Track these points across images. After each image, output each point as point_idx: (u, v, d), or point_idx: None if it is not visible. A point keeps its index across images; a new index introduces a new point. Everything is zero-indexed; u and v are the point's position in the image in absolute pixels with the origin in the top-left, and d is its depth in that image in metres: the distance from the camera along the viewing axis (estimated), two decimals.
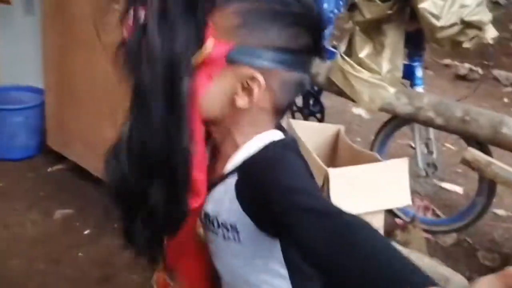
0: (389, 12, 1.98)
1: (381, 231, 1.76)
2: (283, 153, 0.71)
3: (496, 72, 5.22)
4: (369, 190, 1.55)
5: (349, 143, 1.94)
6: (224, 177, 0.73)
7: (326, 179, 1.51)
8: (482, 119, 1.89)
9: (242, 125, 0.72)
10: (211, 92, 0.68)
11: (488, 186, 2.05)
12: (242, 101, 0.68)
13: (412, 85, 2.19)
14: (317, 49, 0.73)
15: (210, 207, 0.75)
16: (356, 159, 1.75)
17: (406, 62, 2.17)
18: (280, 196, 0.62)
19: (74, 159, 2.22)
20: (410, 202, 1.75)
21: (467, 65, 5.25)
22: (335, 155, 2.06)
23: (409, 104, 2.02)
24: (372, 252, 0.55)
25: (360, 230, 0.57)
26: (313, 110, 2.72)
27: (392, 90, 2.05)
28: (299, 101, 2.78)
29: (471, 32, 1.93)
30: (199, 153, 0.69)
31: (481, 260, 2.15)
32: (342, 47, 2.18)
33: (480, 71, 5.18)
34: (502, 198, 2.55)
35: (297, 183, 0.65)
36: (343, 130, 2.07)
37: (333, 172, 1.50)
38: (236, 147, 0.73)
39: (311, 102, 2.71)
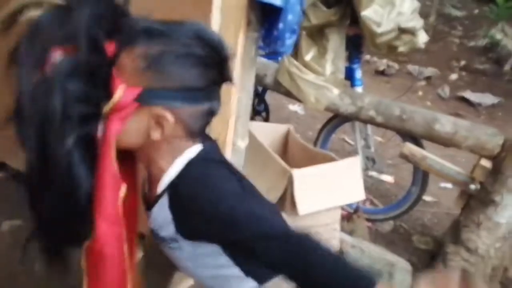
0: (333, 18, 2.11)
1: (338, 224, 1.90)
2: (205, 171, 0.80)
3: (411, 67, 5.64)
4: (328, 188, 1.67)
5: (302, 142, 2.05)
6: (157, 198, 0.81)
7: (290, 180, 1.59)
8: (417, 117, 2.08)
9: (162, 151, 0.80)
10: (127, 129, 0.75)
11: (422, 176, 2.26)
12: (156, 134, 0.76)
13: (352, 85, 2.34)
14: (223, 79, 0.80)
15: (153, 225, 0.84)
16: (311, 158, 1.86)
17: (347, 65, 2.31)
18: (224, 226, 0.75)
19: (17, 166, 2.11)
20: (364, 197, 1.90)
21: (384, 61, 5.63)
22: (286, 154, 2.15)
23: (352, 104, 2.17)
24: (323, 267, 0.71)
25: (312, 250, 0.72)
26: (258, 109, 2.80)
27: (336, 91, 2.18)
28: None
29: (406, 37, 2.11)
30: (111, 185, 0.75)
31: (416, 244, 2.37)
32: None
33: (396, 66, 5.58)
34: (429, 186, 2.81)
35: (236, 207, 0.75)
36: (292, 130, 2.17)
37: (296, 174, 1.59)
38: (161, 170, 0.80)
39: (255, 101, 2.80)
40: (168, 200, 0.80)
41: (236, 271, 0.87)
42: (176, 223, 0.80)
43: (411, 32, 2.10)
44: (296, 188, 1.57)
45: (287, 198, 1.63)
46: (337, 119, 2.38)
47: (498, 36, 5.56)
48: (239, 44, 1.42)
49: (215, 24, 1.37)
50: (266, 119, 2.79)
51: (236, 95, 1.50)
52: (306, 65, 2.22)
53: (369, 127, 2.43)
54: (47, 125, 0.68)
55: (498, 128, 2.10)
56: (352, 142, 3.16)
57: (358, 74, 2.34)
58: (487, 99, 4.78)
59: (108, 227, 0.75)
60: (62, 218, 0.75)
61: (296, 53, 2.26)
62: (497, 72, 5.39)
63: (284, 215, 1.67)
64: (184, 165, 0.80)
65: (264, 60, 2.31)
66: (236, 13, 1.37)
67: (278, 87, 2.29)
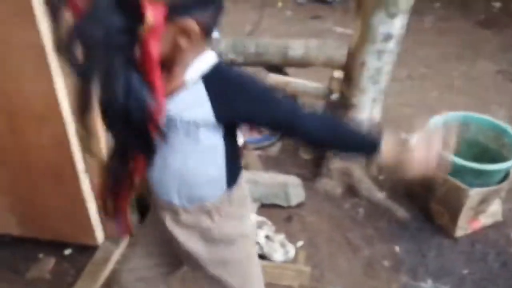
0: None
1: None
2: (234, 68, 0.99)
3: None
4: None
5: None
6: (183, 86, 0.93)
7: None
8: (271, 48, 2.24)
9: (188, 52, 0.91)
10: (161, 44, 0.85)
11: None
12: (185, 43, 0.88)
13: None
14: None
15: (172, 111, 0.93)
16: None
17: None
18: (261, 103, 0.94)
19: None
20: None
21: None
22: None
23: None
24: (348, 131, 1.00)
25: (336, 119, 1.03)
26: None
27: None
28: None
29: None
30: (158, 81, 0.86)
31: (302, 156, 2.64)
32: None
33: None
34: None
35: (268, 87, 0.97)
36: None
37: None
38: (186, 65, 0.92)
39: None
40: (204, 84, 0.92)
41: (220, 172, 1.02)
42: (214, 103, 0.92)
43: None
44: None
45: None
46: None
47: None
48: None
49: (45, 27, 1.37)
50: None
51: None
52: None
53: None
54: (96, 54, 0.79)
55: (352, 20, 2.26)
56: None
57: None
58: None
59: None
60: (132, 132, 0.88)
61: None
62: None
63: None
64: (214, 63, 0.93)
65: None
66: None
67: None
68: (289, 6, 5.18)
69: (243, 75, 0.95)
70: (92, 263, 1.78)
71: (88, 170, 1.68)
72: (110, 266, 1.79)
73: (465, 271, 1.97)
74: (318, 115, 0.99)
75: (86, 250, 1.86)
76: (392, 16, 1.96)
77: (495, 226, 2.20)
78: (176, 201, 1.05)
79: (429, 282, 1.92)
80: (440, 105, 3.15)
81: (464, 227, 2.12)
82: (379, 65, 2.10)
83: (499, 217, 2.21)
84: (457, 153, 2.24)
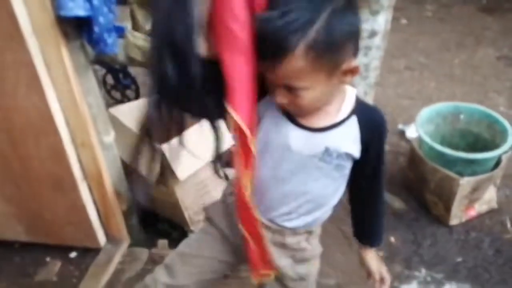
0: None
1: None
2: (373, 106, 1.10)
3: None
4: (197, 147, 1.85)
5: None
6: (340, 122, 0.99)
7: (164, 156, 1.77)
8: None
9: (342, 89, 1.00)
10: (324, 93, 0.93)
11: None
12: (349, 80, 0.94)
13: None
14: None
15: (331, 144, 0.99)
16: None
17: None
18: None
19: None
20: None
21: None
22: None
23: None
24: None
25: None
26: (125, 84, 2.87)
27: None
28: (110, 79, 2.90)
29: None
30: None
31: None
32: (128, 25, 2.34)
33: None
34: None
35: None
36: None
37: (164, 147, 1.76)
38: (341, 102, 0.99)
39: (121, 76, 2.85)
40: (358, 121, 0.99)
41: (343, 184, 1.10)
42: (362, 139, 1.00)
43: None
44: (169, 159, 1.75)
45: (167, 172, 1.81)
46: None
47: None
48: (64, 55, 1.50)
49: (35, 48, 1.46)
50: (137, 91, 2.87)
51: (83, 102, 1.61)
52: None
53: None
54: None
55: None
56: None
57: None
58: None
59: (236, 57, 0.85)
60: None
61: (136, 25, 2.34)
62: None
63: (171, 184, 1.88)
64: (356, 98, 1.01)
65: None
66: (51, 32, 1.45)
67: (132, 62, 2.37)
68: None
69: (383, 116, 1.04)
70: (95, 264, 1.88)
71: (86, 177, 1.77)
72: (112, 267, 1.88)
73: (459, 259, 2.01)
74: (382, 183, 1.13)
75: (90, 252, 1.96)
76: (374, 13, 2.00)
77: (490, 213, 2.23)
78: (289, 223, 1.09)
79: (423, 271, 1.97)
80: (439, 95, 3.18)
81: (458, 215, 2.15)
82: (367, 61, 2.14)
83: (494, 204, 2.23)
84: (450, 143, 2.28)
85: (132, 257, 1.93)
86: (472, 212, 2.19)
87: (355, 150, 1.01)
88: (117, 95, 2.93)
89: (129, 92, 2.90)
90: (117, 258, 1.91)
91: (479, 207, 2.20)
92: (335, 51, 0.85)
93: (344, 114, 0.99)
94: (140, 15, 2.29)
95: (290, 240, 1.12)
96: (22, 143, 1.67)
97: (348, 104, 1.00)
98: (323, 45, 0.82)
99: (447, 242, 2.10)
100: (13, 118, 1.61)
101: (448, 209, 2.12)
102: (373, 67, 2.18)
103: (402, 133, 2.81)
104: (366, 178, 1.10)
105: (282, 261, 1.16)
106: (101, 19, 1.50)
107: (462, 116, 2.30)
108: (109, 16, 1.53)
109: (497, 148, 2.05)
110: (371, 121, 1.01)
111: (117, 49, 1.59)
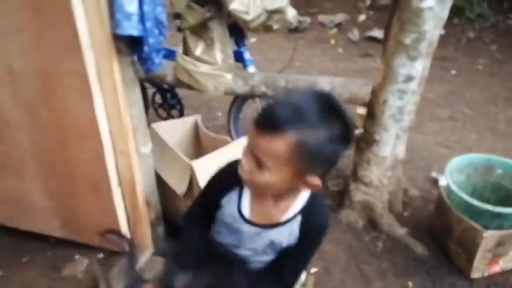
0: (208, 14, 2.35)
1: None
2: (322, 203, 1.21)
3: (322, 17, 5.92)
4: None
5: (206, 131, 2.33)
6: (286, 221, 1.14)
7: (193, 171, 1.88)
8: (300, 84, 2.39)
9: (297, 190, 1.12)
10: (282, 183, 1.02)
11: None
12: (305, 190, 1.10)
13: (244, 66, 2.61)
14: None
15: (276, 239, 1.16)
16: (214, 144, 2.15)
17: (235, 49, 2.57)
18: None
19: None
20: None
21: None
22: (199, 143, 2.43)
23: (245, 85, 2.45)
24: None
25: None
26: (172, 103, 3.05)
27: (229, 76, 2.45)
28: (158, 98, 3.09)
29: (276, 17, 2.38)
30: None
31: (330, 187, 2.73)
32: (180, 49, 2.51)
33: (308, 20, 5.84)
34: None
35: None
36: (200, 120, 2.45)
37: (195, 164, 1.88)
38: (291, 202, 1.14)
39: (168, 96, 3.04)
40: (301, 221, 1.13)
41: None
42: (299, 236, 1.14)
43: (279, 11, 2.37)
44: (199, 177, 1.86)
45: (194, 187, 1.92)
46: (238, 100, 2.67)
47: None
48: (115, 70, 1.66)
49: (90, 60, 1.62)
50: (181, 111, 3.04)
51: (127, 113, 1.76)
52: (198, 59, 2.46)
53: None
54: None
55: None
56: None
57: (247, 55, 2.61)
58: None
59: None
60: None
61: (187, 50, 2.51)
62: None
63: None
64: (307, 199, 1.14)
65: (163, 61, 2.54)
66: (106, 47, 1.61)
67: (179, 83, 2.53)
68: (341, 43, 5.34)
69: (326, 222, 1.17)
70: (118, 267, 1.98)
71: (120, 184, 1.90)
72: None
73: None
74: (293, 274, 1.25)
75: (115, 255, 2.08)
76: (412, 59, 2.06)
77: None
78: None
79: None
80: (478, 147, 3.15)
81: (481, 269, 2.11)
82: (401, 104, 2.19)
83: None
84: (481, 195, 2.26)
85: (153, 264, 2.02)
86: (496, 268, 2.14)
87: (294, 242, 1.17)
88: (163, 113, 3.10)
89: (174, 112, 3.07)
90: (139, 264, 2.01)
91: (504, 264, 2.15)
92: (311, 162, 0.96)
93: (291, 214, 1.13)
94: (191, 41, 2.45)
95: None
96: (68, 145, 1.83)
97: (298, 204, 1.14)
98: (308, 150, 0.92)
99: None
100: (63, 121, 1.77)
101: (470, 261, 2.09)
102: (407, 111, 2.23)
103: (435, 181, 2.80)
104: (284, 257, 1.22)
105: None
106: (151, 40, 1.66)
107: (497, 170, 2.28)
108: (159, 38, 1.69)
109: None
110: (313, 225, 1.15)
111: (161, 67, 1.74)
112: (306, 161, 0.95)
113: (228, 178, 1.15)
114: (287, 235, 1.16)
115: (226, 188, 1.18)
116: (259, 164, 0.97)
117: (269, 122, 0.93)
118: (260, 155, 0.96)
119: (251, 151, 0.98)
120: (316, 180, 0.99)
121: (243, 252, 1.23)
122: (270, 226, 1.16)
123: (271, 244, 1.18)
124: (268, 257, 1.25)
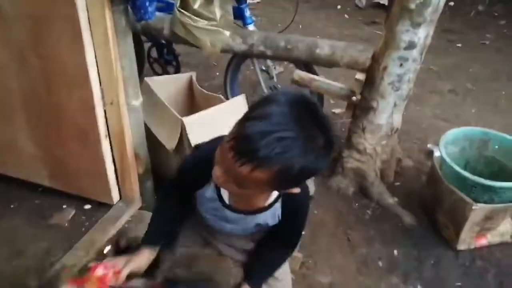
0: None
1: None
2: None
3: None
4: (219, 128, 1.92)
5: (200, 88, 2.28)
6: (268, 207, 1.15)
7: (183, 127, 1.85)
8: (301, 45, 2.33)
9: None
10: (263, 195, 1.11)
11: (317, 97, 2.56)
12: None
13: (244, 24, 2.54)
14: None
15: (259, 222, 1.18)
16: (208, 102, 2.11)
17: (235, 6, 2.49)
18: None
19: None
20: None
21: None
22: (193, 101, 2.39)
23: (243, 43, 2.39)
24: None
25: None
26: (168, 59, 2.98)
27: (227, 33, 2.39)
28: (154, 53, 3.02)
29: None
30: None
31: None
32: (178, 1, 2.43)
33: None
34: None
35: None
36: (194, 77, 2.39)
37: (187, 120, 1.84)
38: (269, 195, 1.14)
39: (165, 51, 2.97)
40: (282, 204, 1.15)
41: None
42: (283, 213, 1.17)
43: None
44: (189, 133, 1.83)
45: (185, 143, 1.89)
46: (235, 58, 2.60)
47: None
48: (107, 17, 1.60)
49: (82, 5, 1.57)
50: (177, 68, 2.98)
51: (118, 63, 1.71)
52: (196, 13, 2.39)
53: (269, 59, 2.67)
54: None
55: None
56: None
57: (247, 12, 2.54)
58: None
59: None
60: None
61: (185, 3, 2.43)
62: None
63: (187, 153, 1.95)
64: None
65: (160, 14, 2.47)
66: None
67: (176, 38, 2.47)
68: (348, 9, 5.22)
69: (306, 198, 1.20)
70: (104, 218, 1.98)
71: (109, 135, 1.87)
72: (119, 224, 1.98)
73: (458, 284, 1.98)
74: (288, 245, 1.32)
75: (103, 207, 2.07)
76: (415, 25, 2.00)
77: (502, 246, 2.17)
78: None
79: (419, 287, 1.96)
80: (477, 122, 3.11)
81: (467, 241, 2.11)
82: (401, 72, 2.14)
83: (508, 238, 2.18)
84: (474, 169, 2.24)
85: (140, 218, 2.02)
86: (483, 241, 2.15)
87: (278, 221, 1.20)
88: (158, 68, 3.05)
89: (170, 68, 3.01)
90: (126, 217, 2.01)
91: (491, 238, 2.15)
92: (294, 181, 0.94)
93: (273, 199, 1.15)
94: None
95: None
96: (57, 92, 1.79)
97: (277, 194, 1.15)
98: (292, 174, 0.86)
99: (450, 265, 2.07)
100: (52, 67, 1.73)
101: (457, 233, 2.09)
102: (407, 79, 2.18)
103: (430, 153, 2.77)
104: (277, 232, 1.24)
105: None
106: None
107: (492, 144, 2.25)
108: None
109: None
110: (293, 200, 1.12)
111: (154, 17, 1.68)
112: (288, 182, 0.94)
113: (206, 166, 1.02)
114: (272, 216, 1.18)
115: (203, 175, 1.10)
116: (236, 182, 0.92)
117: (251, 154, 0.84)
118: (239, 178, 0.90)
119: (226, 171, 0.92)
120: (295, 189, 1.00)
121: (230, 226, 1.23)
122: (253, 212, 1.16)
123: (258, 225, 1.20)
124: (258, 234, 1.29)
